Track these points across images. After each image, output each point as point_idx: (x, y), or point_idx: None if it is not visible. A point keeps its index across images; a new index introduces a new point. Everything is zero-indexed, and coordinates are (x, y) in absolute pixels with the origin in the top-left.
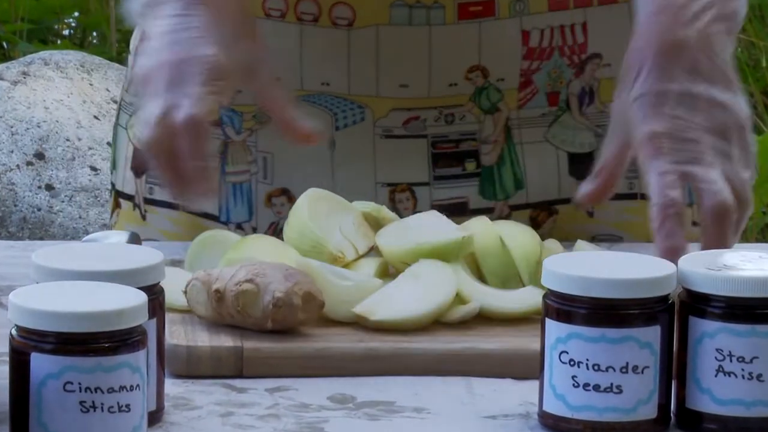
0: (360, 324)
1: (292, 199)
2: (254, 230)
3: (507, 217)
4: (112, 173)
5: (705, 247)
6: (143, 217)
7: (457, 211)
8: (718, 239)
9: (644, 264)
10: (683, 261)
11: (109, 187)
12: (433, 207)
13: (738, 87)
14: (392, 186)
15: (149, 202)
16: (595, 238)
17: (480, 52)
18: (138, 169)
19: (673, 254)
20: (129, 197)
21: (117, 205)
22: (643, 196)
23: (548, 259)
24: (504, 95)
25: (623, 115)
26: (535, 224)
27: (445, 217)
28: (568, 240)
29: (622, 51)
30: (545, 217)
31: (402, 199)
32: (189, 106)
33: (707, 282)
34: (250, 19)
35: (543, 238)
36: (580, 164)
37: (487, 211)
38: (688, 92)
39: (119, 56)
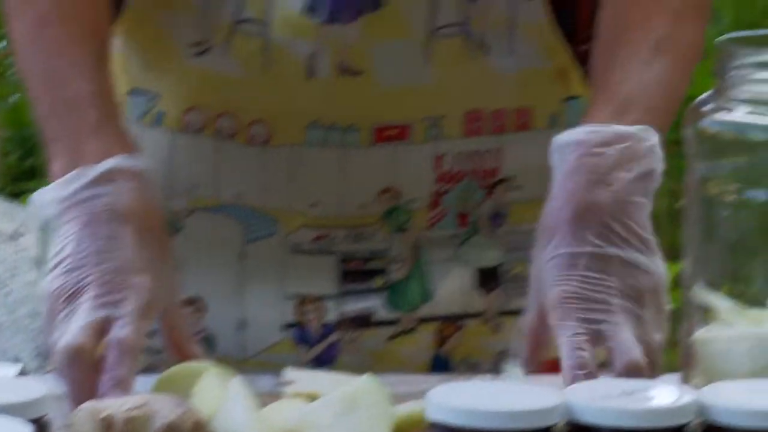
0: None
1: (201, 309)
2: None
3: (413, 330)
4: None
5: None
6: None
7: (362, 323)
8: None
9: (529, 394)
10: (569, 392)
11: None
12: (341, 319)
13: (655, 248)
14: (301, 297)
15: None
16: (501, 353)
17: (393, 175)
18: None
19: None
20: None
21: None
22: None
23: (433, 390)
24: (412, 216)
25: (539, 278)
26: (441, 338)
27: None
28: (472, 357)
29: (534, 174)
30: (452, 331)
31: (309, 310)
32: (125, 326)
33: (593, 413)
34: (166, 235)
35: (449, 352)
36: (488, 277)
37: (392, 323)
38: (601, 254)
39: None
